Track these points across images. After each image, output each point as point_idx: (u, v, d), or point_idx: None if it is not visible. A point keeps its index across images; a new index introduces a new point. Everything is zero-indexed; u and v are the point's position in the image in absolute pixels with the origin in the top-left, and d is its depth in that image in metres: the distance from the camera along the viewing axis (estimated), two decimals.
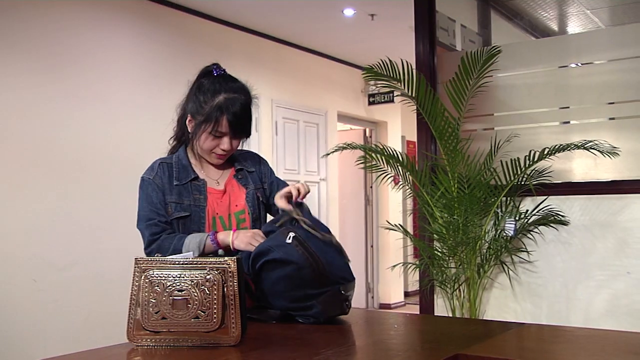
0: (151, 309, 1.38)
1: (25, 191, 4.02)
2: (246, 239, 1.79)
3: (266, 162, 2.16)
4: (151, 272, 1.39)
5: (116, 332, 1.60)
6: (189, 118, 1.96)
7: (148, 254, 1.86)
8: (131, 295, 1.40)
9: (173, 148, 2.08)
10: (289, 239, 1.67)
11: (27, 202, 4.02)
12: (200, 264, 1.39)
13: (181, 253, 1.77)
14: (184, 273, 1.39)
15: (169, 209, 1.89)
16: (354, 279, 1.71)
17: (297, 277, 1.62)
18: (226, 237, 1.83)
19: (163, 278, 1.39)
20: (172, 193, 1.91)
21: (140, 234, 1.91)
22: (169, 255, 1.67)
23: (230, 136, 1.92)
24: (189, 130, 1.97)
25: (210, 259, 1.40)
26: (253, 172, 2.06)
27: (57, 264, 4.13)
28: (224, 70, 1.98)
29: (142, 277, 1.39)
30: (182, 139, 2.04)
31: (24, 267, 3.96)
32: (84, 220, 4.31)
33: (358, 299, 7.28)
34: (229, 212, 1.95)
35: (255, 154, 2.16)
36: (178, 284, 1.38)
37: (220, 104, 1.89)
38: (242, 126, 1.92)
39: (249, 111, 1.94)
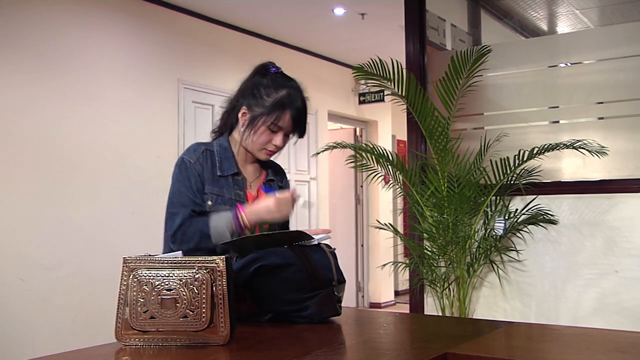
0: (139, 309, 1.37)
1: (13, 189, 3.99)
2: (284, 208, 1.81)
3: (287, 179, 2.16)
4: (139, 271, 1.38)
5: (104, 332, 1.59)
6: (243, 110, 1.93)
7: (172, 242, 1.82)
8: (119, 295, 1.39)
9: (214, 139, 2.03)
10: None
11: (15, 201, 3.99)
12: (188, 263, 1.39)
13: (209, 237, 1.76)
14: (173, 272, 1.38)
15: (209, 201, 1.85)
16: (345, 280, 1.72)
17: (292, 280, 1.62)
18: (257, 214, 1.83)
19: (151, 277, 1.38)
20: (213, 184, 1.87)
21: (168, 216, 1.85)
22: (194, 241, 1.76)
23: (285, 132, 1.92)
24: (241, 123, 1.94)
25: (199, 258, 1.40)
26: (281, 187, 2.06)
27: (45, 263, 4.11)
28: (280, 68, 1.97)
29: (131, 277, 1.39)
30: (224, 132, 2.01)
31: (11, 266, 3.93)
32: (72, 219, 4.29)
33: (348, 298, 7.29)
34: None
35: (282, 168, 2.15)
36: (166, 283, 1.37)
37: (284, 98, 1.88)
38: (301, 123, 1.93)
39: (307, 109, 1.94)
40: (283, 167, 2.15)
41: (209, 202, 1.85)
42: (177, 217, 1.82)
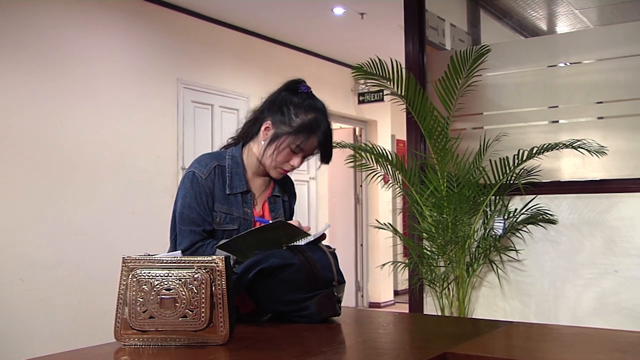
0: (139, 308, 1.37)
1: (13, 189, 3.99)
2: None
3: (295, 196, 2.14)
4: (138, 271, 1.38)
5: (104, 332, 1.59)
6: (266, 124, 1.89)
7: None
8: (119, 295, 1.39)
9: (228, 145, 2.01)
10: (283, 246, 1.68)
11: (15, 201, 3.99)
12: (188, 263, 1.39)
13: None
14: (172, 272, 1.38)
15: (217, 219, 1.85)
16: (344, 281, 1.72)
17: (292, 281, 1.62)
18: None
19: (151, 277, 1.38)
20: (223, 202, 1.86)
21: (177, 231, 1.85)
22: None
23: (305, 154, 1.90)
24: (262, 137, 1.91)
25: (198, 258, 1.40)
26: (286, 202, 2.05)
27: (44, 263, 4.10)
28: (310, 87, 1.94)
29: (130, 276, 1.39)
30: (240, 141, 1.99)
31: (11, 266, 3.93)
32: (72, 219, 4.29)
33: (348, 297, 7.29)
34: None
35: (292, 183, 2.12)
36: (166, 282, 1.37)
37: (312, 121, 1.86)
38: (327, 147, 1.91)
39: (332, 134, 1.93)
40: None
41: (217, 219, 1.85)
42: (187, 236, 1.82)
